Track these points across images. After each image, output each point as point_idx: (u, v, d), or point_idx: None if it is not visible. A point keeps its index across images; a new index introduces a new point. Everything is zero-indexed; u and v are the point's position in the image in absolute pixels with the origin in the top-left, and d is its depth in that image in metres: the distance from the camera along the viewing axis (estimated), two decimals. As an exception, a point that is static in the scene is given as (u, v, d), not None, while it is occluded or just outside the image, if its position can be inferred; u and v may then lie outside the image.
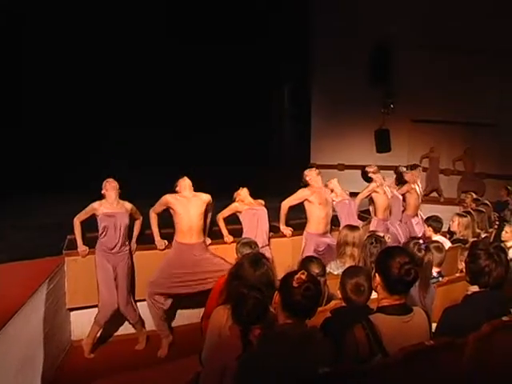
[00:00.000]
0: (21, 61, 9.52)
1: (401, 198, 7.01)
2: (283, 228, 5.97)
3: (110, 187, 5.00)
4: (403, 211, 7.07)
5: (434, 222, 5.67)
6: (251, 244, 4.19)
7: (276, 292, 2.38)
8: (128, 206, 5.10)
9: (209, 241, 5.48)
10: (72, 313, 5.27)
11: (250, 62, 11.13)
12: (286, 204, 5.81)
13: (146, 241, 5.59)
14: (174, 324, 5.64)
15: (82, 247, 5.09)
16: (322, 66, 11.68)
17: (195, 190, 5.24)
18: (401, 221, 6.92)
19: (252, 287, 2.68)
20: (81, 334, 5.24)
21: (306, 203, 5.79)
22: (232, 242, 5.49)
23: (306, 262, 3.71)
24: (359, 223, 6.00)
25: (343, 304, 2.90)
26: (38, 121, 9.64)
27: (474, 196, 8.13)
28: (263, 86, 11.50)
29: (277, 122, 12.28)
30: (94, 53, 10.03)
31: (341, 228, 5.07)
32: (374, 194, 6.49)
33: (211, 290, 3.86)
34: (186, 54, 10.87)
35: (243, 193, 5.73)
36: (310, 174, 5.89)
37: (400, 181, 7.38)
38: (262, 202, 5.80)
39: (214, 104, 11.31)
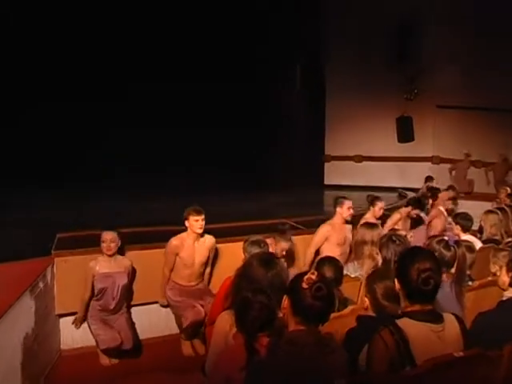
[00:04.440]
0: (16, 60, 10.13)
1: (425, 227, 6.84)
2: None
3: (108, 241, 4.97)
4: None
5: (462, 219, 5.59)
6: (260, 243, 4.21)
7: (285, 296, 2.36)
8: (127, 263, 5.13)
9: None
10: (62, 319, 5.25)
11: (259, 41, 11.14)
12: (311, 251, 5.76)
13: (143, 240, 5.62)
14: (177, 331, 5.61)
15: (81, 315, 5.08)
16: (338, 47, 11.63)
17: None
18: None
19: (258, 291, 2.66)
20: (71, 342, 5.24)
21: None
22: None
23: (320, 264, 3.68)
24: None
25: (363, 309, 2.86)
26: (25, 113, 10.19)
27: (509, 191, 8.03)
28: (272, 69, 11.47)
29: (287, 110, 12.27)
30: (87, 50, 10.72)
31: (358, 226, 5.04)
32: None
33: (217, 293, 3.89)
34: (190, 33, 11.12)
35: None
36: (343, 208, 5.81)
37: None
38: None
39: (220, 89, 11.47)
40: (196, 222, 5.13)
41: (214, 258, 5.58)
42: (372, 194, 6.54)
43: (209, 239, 5.36)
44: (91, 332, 5.00)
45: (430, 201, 7.39)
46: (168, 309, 5.53)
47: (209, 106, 11.68)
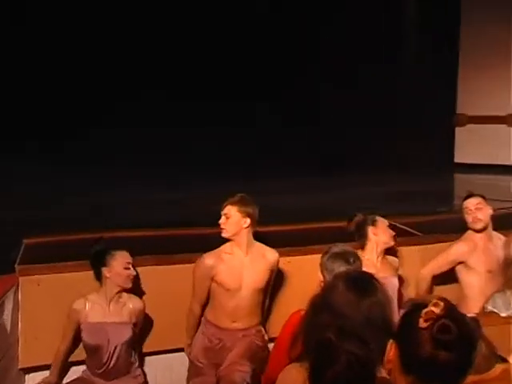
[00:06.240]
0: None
1: None
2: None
3: (118, 270, 4.95)
4: None
5: None
6: (349, 256, 4.24)
7: (391, 341, 2.33)
8: (136, 305, 5.13)
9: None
10: (28, 376, 5.30)
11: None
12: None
13: (163, 249, 5.75)
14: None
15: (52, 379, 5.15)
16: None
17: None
18: None
19: (346, 333, 2.58)
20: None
21: (458, 268, 5.84)
22: None
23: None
24: None
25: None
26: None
27: None
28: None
29: (398, 51, 12.34)
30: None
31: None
32: None
33: (278, 336, 3.98)
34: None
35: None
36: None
37: None
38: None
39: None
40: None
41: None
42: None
43: (270, 254, 5.34)
44: None
45: None
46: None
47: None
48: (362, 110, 12.31)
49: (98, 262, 4.95)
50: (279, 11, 14.61)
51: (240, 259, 5.19)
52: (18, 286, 5.14)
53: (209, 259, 5.16)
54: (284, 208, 7.06)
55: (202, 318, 5.33)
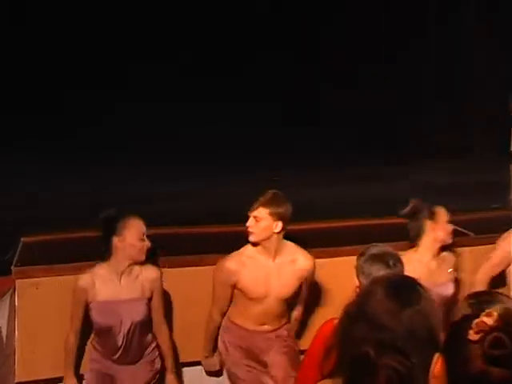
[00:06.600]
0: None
1: None
2: None
3: (132, 241, 4.92)
4: None
5: None
6: (388, 258, 4.22)
7: (438, 354, 2.28)
8: (151, 275, 5.07)
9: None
10: (26, 392, 5.34)
11: None
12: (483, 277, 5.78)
13: (173, 250, 5.75)
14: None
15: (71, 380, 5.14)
16: None
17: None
18: None
19: (385, 345, 2.55)
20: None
21: (509, 270, 5.82)
22: None
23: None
24: None
25: None
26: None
27: None
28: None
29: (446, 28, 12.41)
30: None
31: None
32: None
33: (308, 348, 3.99)
34: None
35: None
36: None
37: None
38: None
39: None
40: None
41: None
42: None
43: (301, 260, 5.25)
44: None
45: None
46: (219, 378, 5.62)
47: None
48: (415, 98, 12.37)
49: (108, 230, 4.90)
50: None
51: (266, 265, 5.15)
52: (14, 289, 5.16)
53: (230, 263, 5.12)
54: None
55: (225, 320, 5.31)
